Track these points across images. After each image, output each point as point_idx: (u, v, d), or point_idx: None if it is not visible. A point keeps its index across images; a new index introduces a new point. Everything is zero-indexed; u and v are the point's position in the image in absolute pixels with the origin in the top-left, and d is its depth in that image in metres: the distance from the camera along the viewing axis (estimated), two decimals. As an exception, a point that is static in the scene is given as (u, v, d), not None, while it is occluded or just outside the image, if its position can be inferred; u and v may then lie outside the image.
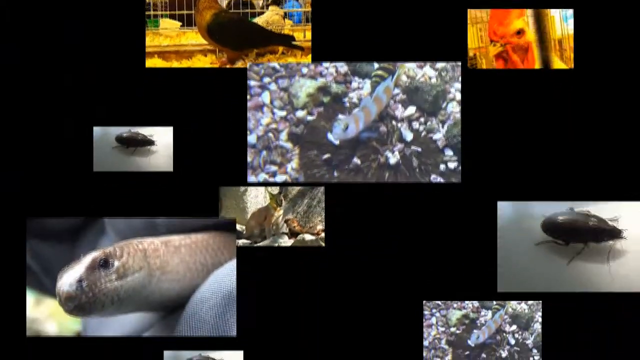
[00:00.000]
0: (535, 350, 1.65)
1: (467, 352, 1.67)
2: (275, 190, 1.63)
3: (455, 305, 1.66)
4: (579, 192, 1.63)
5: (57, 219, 1.62)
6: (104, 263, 1.38)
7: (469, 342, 1.67)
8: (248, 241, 1.64)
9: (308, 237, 1.65)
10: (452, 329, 1.67)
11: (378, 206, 1.64)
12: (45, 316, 1.62)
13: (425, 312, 1.65)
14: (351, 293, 1.65)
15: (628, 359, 1.64)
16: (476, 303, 1.66)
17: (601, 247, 1.63)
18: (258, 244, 1.64)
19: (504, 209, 1.64)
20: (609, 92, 1.62)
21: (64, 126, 1.62)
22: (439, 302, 1.65)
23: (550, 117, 1.63)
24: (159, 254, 1.46)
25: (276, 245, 1.65)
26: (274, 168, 1.66)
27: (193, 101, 1.63)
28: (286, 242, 1.65)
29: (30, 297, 1.63)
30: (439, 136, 1.66)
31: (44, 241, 1.63)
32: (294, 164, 1.66)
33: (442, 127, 1.65)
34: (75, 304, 1.34)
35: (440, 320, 1.66)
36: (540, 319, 1.65)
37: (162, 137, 1.63)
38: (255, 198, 1.64)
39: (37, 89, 1.63)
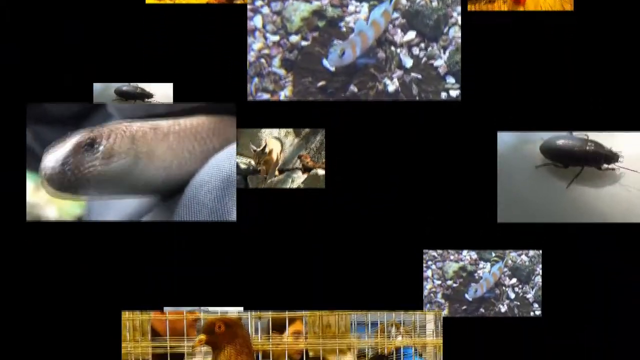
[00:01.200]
0: (536, 305, 1.58)
1: (464, 307, 1.59)
2: (259, 146, 1.58)
3: (452, 257, 1.58)
4: (580, 122, 1.60)
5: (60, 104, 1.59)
6: (90, 145, 1.38)
7: (467, 296, 1.59)
8: (264, 176, 1.60)
9: (320, 172, 1.59)
10: (449, 282, 1.59)
11: (377, 134, 1.59)
12: (45, 201, 1.59)
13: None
14: (351, 232, 1.60)
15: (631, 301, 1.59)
16: (474, 254, 1.58)
17: (599, 172, 1.60)
18: (268, 181, 1.60)
19: (504, 137, 1.59)
20: (610, 29, 1.59)
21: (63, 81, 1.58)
22: (434, 254, 1.58)
23: (552, 53, 1.59)
24: (147, 140, 1.45)
25: (287, 186, 1.60)
26: (266, 96, 1.58)
27: (191, 42, 1.58)
28: (300, 177, 1.60)
29: (31, 182, 1.58)
30: (440, 63, 1.59)
31: (47, 125, 1.59)
32: (287, 91, 1.58)
33: (444, 53, 1.59)
34: (58, 183, 1.35)
35: (436, 273, 1.59)
36: (541, 272, 1.58)
37: (161, 90, 1.59)
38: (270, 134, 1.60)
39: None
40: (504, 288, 1.59)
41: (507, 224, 1.58)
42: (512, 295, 1.59)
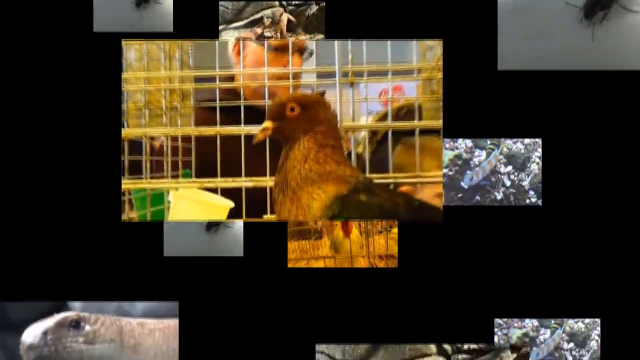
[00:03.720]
0: (532, 192, 1.57)
1: (460, 195, 1.57)
2: None
3: (447, 146, 1.56)
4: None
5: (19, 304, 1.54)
6: (75, 324, 1.39)
7: (462, 184, 1.58)
8: None
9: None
10: (445, 171, 1.58)
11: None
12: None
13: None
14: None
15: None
16: (469, 143, 1.56)
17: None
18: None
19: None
20: None
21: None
22: None
23: None
24: (135, 334, 1.47)
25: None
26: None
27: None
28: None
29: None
30: None
31: (7, 331, 1.57)
32: None
33: None
34: (36, 355, 1.35)
35: (431, 161, 1.58)
36: (537, 160, 1.56)
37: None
38: None
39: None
40: (499, 176, 1.58)
41: (507, 71, 1.54)
42: (508, 183, 1.58)
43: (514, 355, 1.51)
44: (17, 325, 1.51)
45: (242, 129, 1.52)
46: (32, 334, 1.36)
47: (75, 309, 1.51)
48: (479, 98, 1.56)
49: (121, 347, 1.43)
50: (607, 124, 1.56)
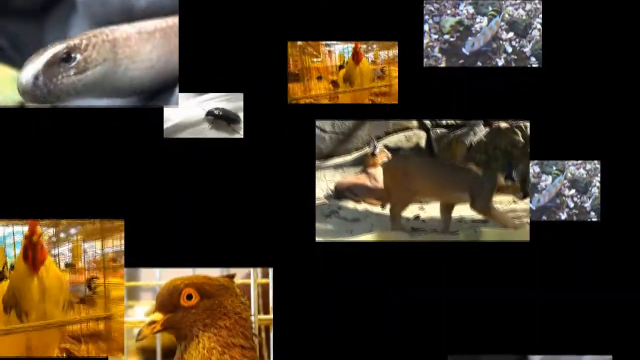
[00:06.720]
0: (533, 59, 1.57)
1: (461, 61, 1.57)
2: None
3: (448, 12, 1.56)
4: None
5: None
6: (66, 57, 1.42)
7: (464, 50, 1.57)
8: None
9: None
10: (446, 37, 1.57)
11: None
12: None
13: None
14: None
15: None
16: (471, 9, 1.56)
17: None
18: None
19: None
20: None
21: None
22: (431, 9, 1.56)
23: None
24: (130, 43, 1.48)
25: None
26: None
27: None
28: None
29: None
30: None
31: (11, 18, 1.61)
32: None
33: None
34: (31, 97, 1.41)
35: (433, 27, 1.57)
36: (538, 25, 1.56)
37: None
38: None
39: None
40: (500, 42, 1.58)
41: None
42: (510, 50, 1.58)
43: (486, 129, 1.60)
44: (21, 12, 1.59)
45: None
46: (25, 78, 1.40)
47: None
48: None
49: (114, 62, 1.45)
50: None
